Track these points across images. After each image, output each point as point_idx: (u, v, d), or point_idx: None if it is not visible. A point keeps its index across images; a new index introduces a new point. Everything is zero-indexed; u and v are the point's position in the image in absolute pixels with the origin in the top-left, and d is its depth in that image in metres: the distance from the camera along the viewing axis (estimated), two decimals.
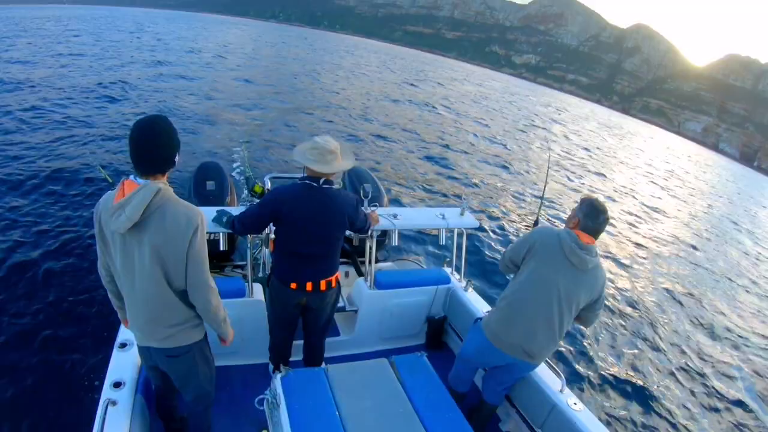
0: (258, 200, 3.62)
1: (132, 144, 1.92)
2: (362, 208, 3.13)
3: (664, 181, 26.01)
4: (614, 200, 16.58)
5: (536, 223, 3.79)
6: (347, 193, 2.97)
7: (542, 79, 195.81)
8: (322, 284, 2.95)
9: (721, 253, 14.06)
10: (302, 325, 3.27)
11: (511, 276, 2.96)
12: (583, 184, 17.29)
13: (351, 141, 14.00)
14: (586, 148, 27.58)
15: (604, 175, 20.56)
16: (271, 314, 3.25)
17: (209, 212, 3.28)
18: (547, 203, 12.86)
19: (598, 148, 30.04)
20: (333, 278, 3.00)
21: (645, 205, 17.55)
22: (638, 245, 11.84)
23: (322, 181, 2.75)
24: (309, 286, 2.92)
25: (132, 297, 2.11)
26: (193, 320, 2.25)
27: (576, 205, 2.76)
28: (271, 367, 3.49)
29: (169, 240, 1.96)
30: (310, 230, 2.79)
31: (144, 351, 2.33)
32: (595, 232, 2.64)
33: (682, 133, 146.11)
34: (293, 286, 2.92)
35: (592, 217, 2.63)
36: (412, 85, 37.11)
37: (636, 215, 15.47)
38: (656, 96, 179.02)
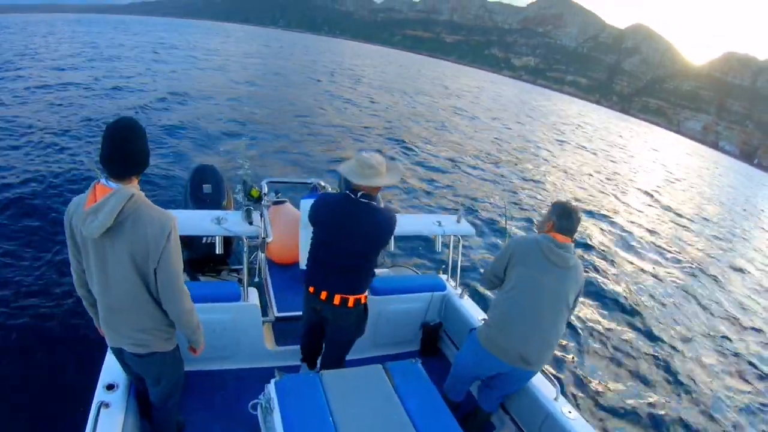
0: (254, 204, 3.64)
1: (106, 145, 1.91)
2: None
3: (667, 178, 26.02)
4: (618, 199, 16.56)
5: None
6: (389, 212, 2.89)
7: (542, 80, 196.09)
8: (336, 298, 2.87)
9: (728, 254, 13.90)
10: (325, 337, 3.26)
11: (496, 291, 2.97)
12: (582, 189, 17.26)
13: (347, 145, 13.99)
14: (590, 149, 27.55)
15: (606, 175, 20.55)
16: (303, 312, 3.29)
17: (205, 215, 3.30)
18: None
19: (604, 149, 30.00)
20: (351, 297, 2.89)
21: (647, 203, 17.55)
22: (639, 247, 11.77)
23: (359, 194, 2.73)
24: (323, 294, 2.89)
25: (105, 300, 2.12)
26: (166, 329, 2.25)
27: (549, 209, 2.84)
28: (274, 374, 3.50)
29: (142, 246, 1.96)
30: (335, 239, 2.79)
31: (116, 351, 2.35)
32: (569, 231, 2.72)
33: (682, 132, 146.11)
34: (311, 289, 2.92)
35: (565, 217, 2.71)
36: (409, 91, 37.09)
37: (640, 213, 15.45)
38: (655, 95, 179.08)
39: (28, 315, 4.66)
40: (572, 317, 2.94)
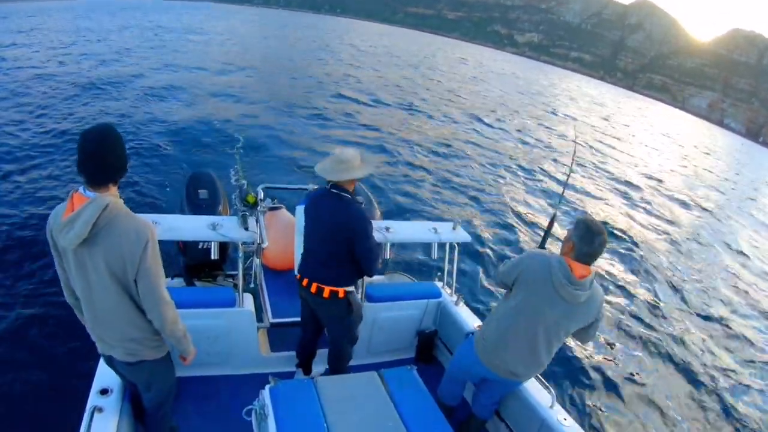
0: (250, 210, 3.67)
1: (81, 153, 1.91)
2: (374, 233, 3.12)
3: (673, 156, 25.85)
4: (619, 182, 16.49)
5: (552, 220, 3.57)
6: (361, 208, 3.04)
7: (545, 57, 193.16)
8: (314, 286, 3.07)
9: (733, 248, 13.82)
10: None
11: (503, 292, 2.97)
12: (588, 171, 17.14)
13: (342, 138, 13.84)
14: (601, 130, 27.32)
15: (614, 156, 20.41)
16: None
17: (201, 220, 3.32)
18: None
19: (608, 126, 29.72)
20: (326, 288, 3.05)
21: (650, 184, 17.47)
22: (641, 241, 11.71)
23: (330, 185, 2.99)
24: (305, 282, 3.11)
25: (90, 310, 2.13)
26: (154, 338, 2.28)
27: (572, 225, 2.64)
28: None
29: (118, 257, 1.96)
30: (312, 228, 3.06)
31: (106, 359, 2.39)
32: (590, 257, 2.53)
33: (687, 109, 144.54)
34: (298, 276, 3.18)
35: (587, 240, 2.50)
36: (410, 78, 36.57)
37: (645, 199, 15.39)
38: (660, 72, 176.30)
39: (19, 320, 4.72)
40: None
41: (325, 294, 3.06)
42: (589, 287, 2.55)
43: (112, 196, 1.99)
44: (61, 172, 8.24)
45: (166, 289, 2.17)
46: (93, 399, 2.55)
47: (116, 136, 1.99)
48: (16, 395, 3.89)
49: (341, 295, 3.10)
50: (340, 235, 2.95)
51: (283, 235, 4.52)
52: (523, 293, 2.68)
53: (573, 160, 4.47)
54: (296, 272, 3.18)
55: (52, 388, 3.94)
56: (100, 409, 2.45)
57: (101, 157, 1.92)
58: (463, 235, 4.14)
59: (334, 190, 2.96)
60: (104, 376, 2.68)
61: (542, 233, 3.54)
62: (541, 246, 3.31)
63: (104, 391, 2.59)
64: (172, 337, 2.28)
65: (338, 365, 3.48)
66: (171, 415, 2.76)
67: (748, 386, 6.74)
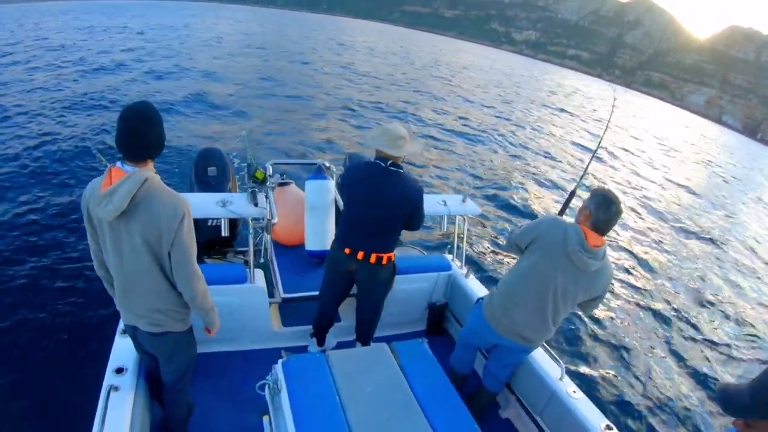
0: (259, 186, 3.67)
1: (121, 130, 1.95)
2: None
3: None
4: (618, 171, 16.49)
5: (574, 192, 3.67)
6: (416, 182, 3.12)
7: (543, 55, 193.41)
8: (372, 257, 3.12)
9: (734, 235, 13.85)
10: (357, 303, 3.48)
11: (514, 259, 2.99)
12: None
13: (356, 120, 13.87)
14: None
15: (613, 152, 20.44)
16: (324, 278, 3.42)
17: (210, 198, 3.33)
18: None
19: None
20: (384, 255, 3.15)
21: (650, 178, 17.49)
22: (647, 226, 11.72)
23: (389, 162, 2.99)
24: (360, 254, 3.12)
25: (121, 280, 2.18)
26: (181, 310, 2.32)
27: (587, 196, 2.69)
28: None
29: (155, 229, 2.01)
30: (367, 205, 3.04)
31: (130, 329, 2.42)
32: (606, 224, 2.58)
33: (685, 106, 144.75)
34: (347, 251, 3.15)
35: (604, 208, 2.55)
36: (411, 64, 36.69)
37: (644, 189, 15.41)
38: (658, 69, 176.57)
39: (37, 302, 4.71)
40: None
41: (384, 261, 3.18)
42: (601, 258, 2.61)
43: (150, 171, 2.05)
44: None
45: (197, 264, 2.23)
46: (109, 378, 2.55)
47: (156, 113, 2.05)
48: (33, 376, 3.88)
49: (393, 258, 3.27)
50: (402, 210, 3.06)
51: (292, 210, 4.55)
52: (536, 256, 2.72)
53: (606, 127, 4.24)
54: (342, 246, 3.16)
55: (68, 368, 3.93)
56: (116, 388, 2.46)
57: (141, 133, 1.98)
58: (472, 208, 4.14)
59: (393, 168, 3.00)
60: (119, 355, 2.70)
61: (548, 206, 3.59)
62: (560, 214, 3.34)
63: (119, 370, 2.60)
64: (202, 310, 2.33)
65: (370, 332, 3.55)
66: (188, 390, 2.77)
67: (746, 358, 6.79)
